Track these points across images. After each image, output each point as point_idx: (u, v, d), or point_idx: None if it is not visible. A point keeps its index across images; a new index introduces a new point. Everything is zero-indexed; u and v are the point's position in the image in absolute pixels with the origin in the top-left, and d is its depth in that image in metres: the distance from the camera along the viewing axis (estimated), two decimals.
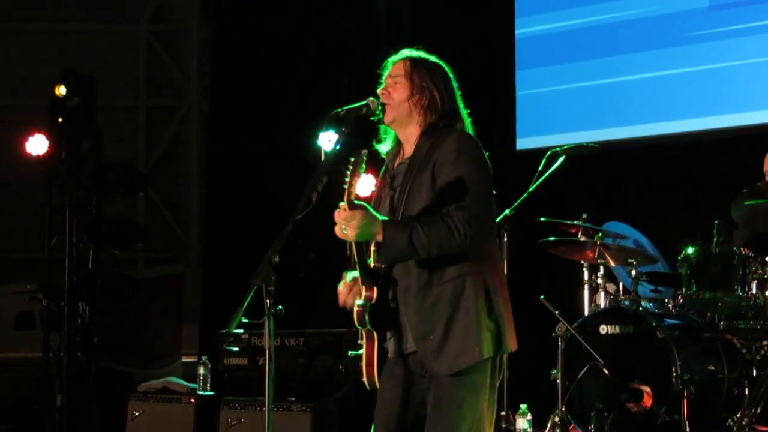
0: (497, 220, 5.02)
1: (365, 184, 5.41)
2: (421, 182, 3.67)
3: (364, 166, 3.52)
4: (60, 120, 8.02)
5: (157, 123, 13.29)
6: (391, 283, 3.71)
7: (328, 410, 6.41)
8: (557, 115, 7.86)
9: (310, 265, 7.71)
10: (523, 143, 7.94)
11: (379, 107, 3.76)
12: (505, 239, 6.24)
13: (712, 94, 7.22)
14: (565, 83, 7.82)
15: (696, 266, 5.87)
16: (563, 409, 5.76)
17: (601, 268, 6.31)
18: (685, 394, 5.60)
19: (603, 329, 5.94)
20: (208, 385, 6.86)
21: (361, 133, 3.78)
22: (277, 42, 9.20)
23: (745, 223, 5.91)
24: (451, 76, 3.83)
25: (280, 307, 3.45)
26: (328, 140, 6.44)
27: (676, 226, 7.06)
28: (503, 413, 6.06)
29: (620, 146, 7.52)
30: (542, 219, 6.27)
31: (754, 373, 5.78)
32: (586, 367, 5.76)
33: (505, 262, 6.12)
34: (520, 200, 6.08)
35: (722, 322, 5.86)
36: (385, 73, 3.82)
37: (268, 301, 3.42)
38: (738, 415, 5.56)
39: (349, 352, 6.32)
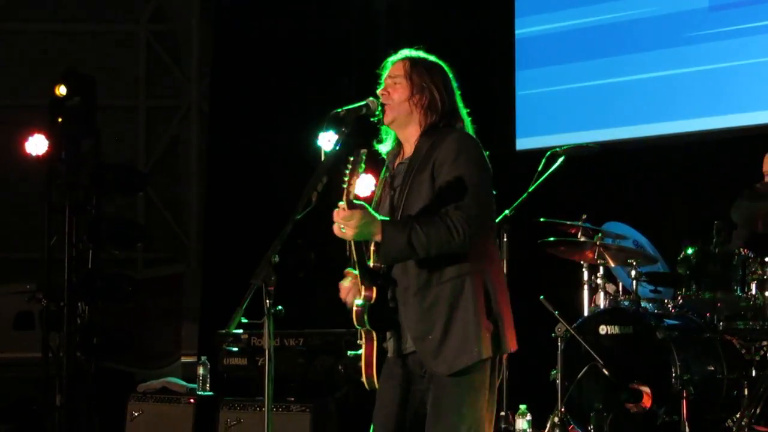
0: (497, 220, 5.02)
1: (365, 184, 5.42)
2: (421, 182, 3.67)
3: (363, 165, 3.52)
4: (60, 120, 8.02)
5: (156, 123, 13.27)
6: (390, 283, 3.70)
7: (327, 410, 6.41)
8: (557, 116, 7.86)
9: (310, 265, 7.70)
10: (522, 143, 7.93)
11: (379, 107, 3.76)
12: (505, 239, 6.24)
13: (711, 95, 7.22)
14: (564, 83, 7.82)
15: (695, 267, 5.87)
16: (563, 409, 5.76)
17: (601, 268, 6.31)
18: (685, 395, 5.60)
19: (602, 330, 5.94)
20: (208, 385, 6.86)
21: (361, 134, 3.78)
22: (277, 42, 9.20)
23: (745, 223, 5.91)
24: (450, 75, 3.82)
25: (280, 307, 3.45)
26: (327, 140, 6.44)
27: (675, 227, 7.06)
28: (503, 413, 6.06)
29: (620, 146, 7.52)
30: (542, 219, 6.27)
31: (754, 373, 5.78)
32: (585, 368, 5.75)
33: (505, 262, 6.12)
34: (519, 200, 6.08)
35: (722, 323, 5.86)
36: (385, 74, 3.82)
37: (267, 301, 3.42)
38: (737, 416, 5.57)
39: (349, 352, 6.32)
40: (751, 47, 7.04)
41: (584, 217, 6.27)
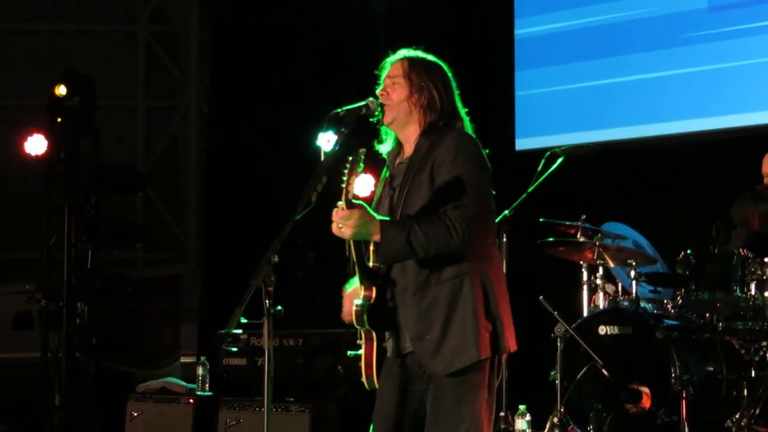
0: (497, 220, 5.01)
1: (365, 184, 5.42)
2: (420, 182, 3.67)
3: (362, 164, 3.52)
4: (59, 120, 8.02)
5: (156, 123, 13.27)
6: (389, 283, 3.70)
7: (327, 411, 6.41)
8: (556, 116, 7.86)
9: (310, 265, 7.70)
10: (522, 144, 7.93)
11: (379, 108, 3.76)
12: (504, 239, 6.24)
13: (710, 95, 7.22)
14: (564, 84, 7.82)
15: (695, 267, 5.86)
16: (562, 409, 5.75)
17: (600, 268, 6.30)
18: (684, 395, 5.60)
19: (602, 330, 5.94)
20: (207, 385, 6.86)
21: (361, 134, 3.77)
22: (277, 42, 9.19)
23: (744, 224, 5.91)
24: (449, 75, 3.82)
25: (280, 307, 3.45)
26: (327, 141, 6.45)
27: (675, 227, 7.06)
28: (502, 414, 6.05)
29: (619, 147, 7.52)
30: (541, 219, 6.26)
31: (753, 373, 5.77)
32: (585, 368, 5.75)
33: (504, 262, 6.11)
34: (519, 201, 6.08)
35: (721, 323, 5.85)
36: (384, 74, 3.82)
37: (267, 301, 3.42)
38: (737, 416, 5.56)
39: (348, 352, 6.31)
40: (751, 47, 7.05)
41: (584, 217, 6.26)
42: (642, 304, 6.07)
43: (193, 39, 12.87)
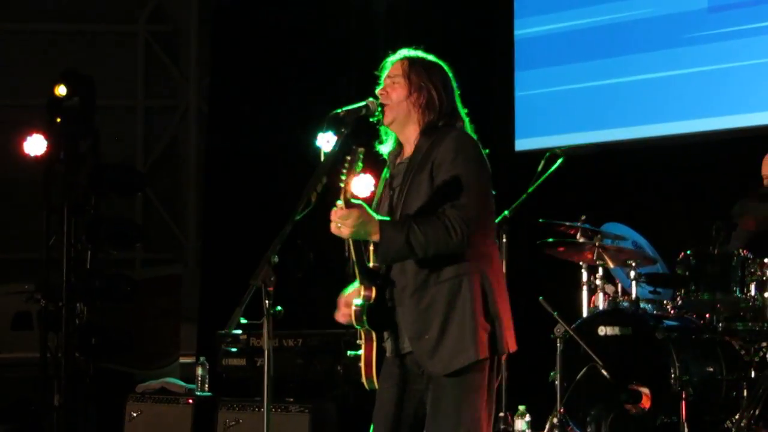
0: (497, 220, 5.01)
1: (365, 184, 5.41)
2: (420, 182, 3.67)
3: (360, 164, 3.52)
4: (58, 120, 8.01)
5: (155, 123, 13.26)
6: (389, 283, 3.70)
7: (326, 411, 6.41)
8: (556, 116, 7.85)
9: (309, 265, 7.70)
10: (521, 144, 7.93)
11: (379, 108, 3.76)
12: (504, 240, 6.23)
13: (710, 96, 7.21)
14: (563, 84, 7.82)
15: (695, 267, 5.86)
16: (562, 410, 5.75)
17: (600, 269, 6.30)
18: (684, 396, 5.60)
19: (602, 330, 5.93)
20: (206, 385, 6.85)
21: (361, 134, 3.77)
22: (277, 42, 9.19)
23: (745, 225, 5.91)
24: (450, 75, 3.82)
25: (279, 308, 3.44)
26: (327, 141, 6.45)
27: (675, 227, 7.06)
28: (501, 414, 6.05)
29: (619, 147, 7.52)
30: (541, 220, 6.26)
31: (753, 374, 5.77)
32: (584, 369, 5.75)
33: (504, 263, 6.11)
34: (518, 201, 6.08)
35: (721, 324, 5.85)
36: (384, 74, 3.82)
37: (267, 301, 3.42)
38: (736, 417, 5.56)
39: (348, 353, 6.31)
40: (751, 48, 7.04)
41: (583, 218, 6.26)
42: (642, 305, 6.07)
43: (193, 39, 12.86)
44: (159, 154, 13.13)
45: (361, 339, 3.72)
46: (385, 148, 3.86)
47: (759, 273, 5.72)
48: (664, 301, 6.23)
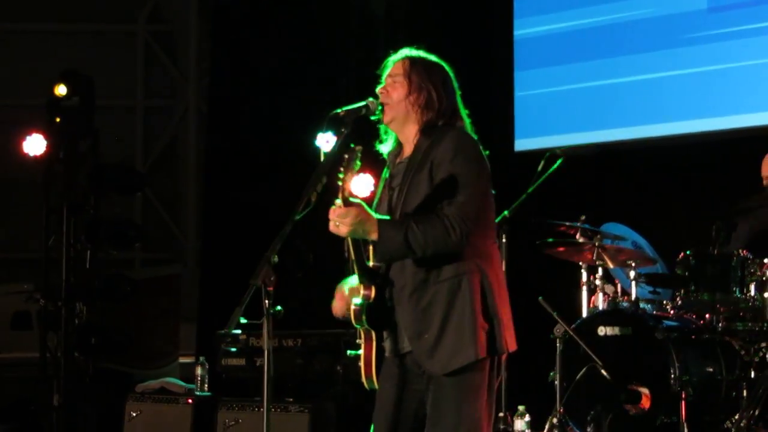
0: (496, 220, 5.01)
1: (364, 184, 5.41)
2: (419, 181, 3.67)
3: (358, 162, 3.52)
4: (58, 120, 8.01)
5: (155, 123, 13.28)
6: (388, 282, 3.70)
7: (326, 411, 6.40)
8: (556, 117, 7.85)
9: (309, 265, 7.69)
10: (521, 144, 7.93)
11: (379, 107, 3.76)
12: (504, 240, 6.23)
13: (710, 96, 7.21)
14: (563, 84, 7.81)
15: (694, 268, 5.86)
16: (561, 410, 5.75)
17: (600, 269, 6.30)
18: (684, 396, 5.59)
19: (601, 331, 5.93)
20: (206, 385, 6.85)
21: (361, 134, 3.77)
22: (276, 41, 9.19)
23: (744, 225, 5.91)
24: (451, 75, 3.82)
25: (279, 307, 3.44)
26: (326, 141, 6.44)
27: (674, 228, 7.06)
28: (501, 414, 6.05)
29: (619, 147, 7.51)
30: (540, 220, 6.26)
31: (753, 374, 5.77)
32: (584, 369, 5.74)
33: (504, 262, 6.11)
34: (518, 201, 6.08)
35: (721, 324, 5.85)
36: (385, 73, 3.82)
37: (266, 301, 3.42)
38: (736, 417, 5.55)
39: (348, 352, 6.30)
40: (751, 48, 7.04)
41: (583, 218, 6.26)
42: (641, 305, 6.07)
43: (192, 39, 12.87)
44: (158, 154, 13.15)
45: (360, 338, 3.71)
46: (385, 148, 3.87)
47: (759, 273, 5.71)
48: (664, 302, 6.23)
